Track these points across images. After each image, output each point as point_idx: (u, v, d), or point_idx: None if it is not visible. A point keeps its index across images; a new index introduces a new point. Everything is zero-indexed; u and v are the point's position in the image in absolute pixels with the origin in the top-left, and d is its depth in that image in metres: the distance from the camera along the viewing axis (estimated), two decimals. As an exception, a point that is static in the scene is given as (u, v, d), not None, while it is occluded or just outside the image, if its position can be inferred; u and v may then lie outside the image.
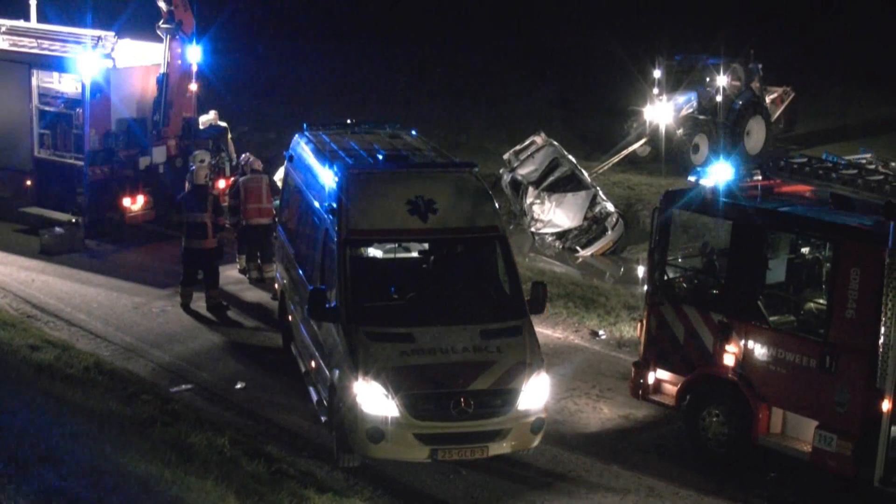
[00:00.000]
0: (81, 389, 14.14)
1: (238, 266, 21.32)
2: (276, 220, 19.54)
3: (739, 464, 14.23)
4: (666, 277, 15.26)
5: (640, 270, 23.35)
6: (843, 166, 14.82)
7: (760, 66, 33.15)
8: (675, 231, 15.51)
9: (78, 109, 22.67)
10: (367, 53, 44.12)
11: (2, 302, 19.15)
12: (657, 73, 31.99)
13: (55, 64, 23.09)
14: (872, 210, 13.55)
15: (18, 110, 23.42)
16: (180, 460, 11.76)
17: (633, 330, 18.30)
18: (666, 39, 33.32)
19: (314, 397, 14.99)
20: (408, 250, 15.80)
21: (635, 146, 31.73)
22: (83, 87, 22.31)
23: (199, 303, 19.43)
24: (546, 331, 18.51)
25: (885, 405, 12.63)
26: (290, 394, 16.01)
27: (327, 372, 14.01)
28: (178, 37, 22.57)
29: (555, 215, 25.39)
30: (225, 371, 16.94)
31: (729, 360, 14.08)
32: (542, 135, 27.19)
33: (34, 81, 23.24)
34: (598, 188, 25.87)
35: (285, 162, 18.49)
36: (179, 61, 22.81)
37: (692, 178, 15.45)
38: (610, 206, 25.28)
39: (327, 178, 14.99)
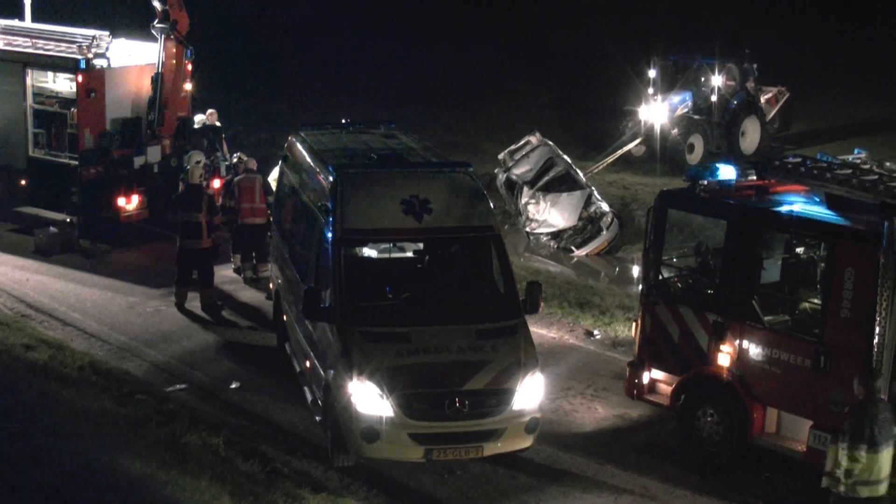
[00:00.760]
0: (76, 389, 14.13)
1: (233, 265, 21.32)
2: (271, 219, 19.52)
3: (734, 464, 14.24)
4: (661, 277, 15.26)
5: (635, 270, 23.36)
6: (838, 166, 14.78)
7: (755, 65, 33.15)
8: (670, 231, 15.52)
9: (72, 109, 22.66)
10: (362, 53, 44.11)
11: (-4, 301, 19.17)
12: (652, 73, 32.00)
13: (50, 63, 23.06)
14: (867, 210, 13.55)
15: (13, 110, 23.41)
16: (175, 460, 11.76)
17: (627, 330, 18.31)
18: (661, 39, 33.32)
19: (309, 397, 14.98)
20: (403, 250, 15.79)
21: (630, 146, 31.73)
22: (78, 86, 22.29)
23: (194, 302, 19.42)
24: (541, 330, 18.51)
25: (880, 405, 12.63)
26: (285, 393, 16.00)
27: (322, 372, 14.00)
28: (172, 36, 22.54)
29: (550, 215, 25.38)
30: (219, 371, 16.93)
31: (724, 360, 14.09)
32: (537, 134, 27.18)
33: (29, 81, 23.24)
34: (593, 188, 25.87)
35: (280, 162, 18.49)
36: (174, 61, 22.77)
37: (687, 178, 15.46)
38: (605, 206, 25.27)
39: (322, 177, 14.99)
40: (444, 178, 15.01)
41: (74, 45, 22.62)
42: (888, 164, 15.68)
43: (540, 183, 25.78)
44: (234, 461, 12.81)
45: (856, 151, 17.47)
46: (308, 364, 14.97)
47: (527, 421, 13.50)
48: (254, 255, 20.89)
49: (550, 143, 26.91)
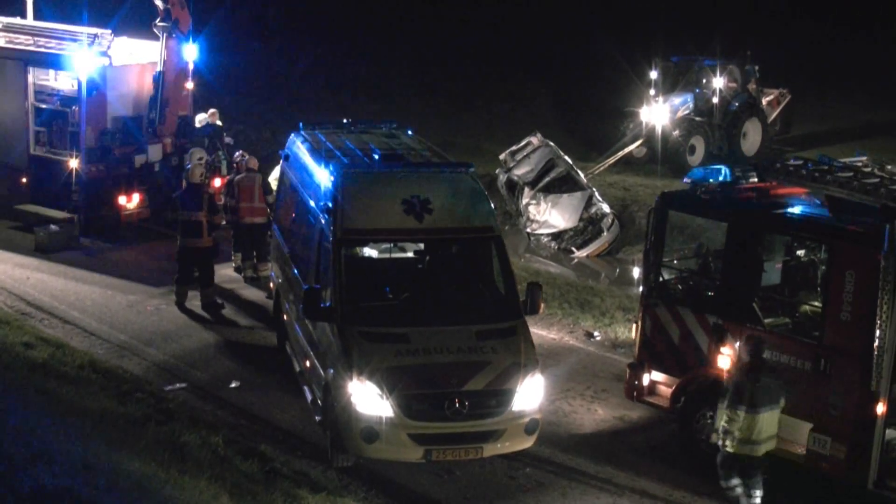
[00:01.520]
0: (75, 387, 14.12)
1: (233, 264, 21.32)
2: (272, 218, 19.52)
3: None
4: (661, 279, 15.26)
5: (636, 272, 23.33)
6: (839, 169, 14.82)
7: (757, 67, 33.17)
8: (670, 232, 15.51)
9: (74, 107, 22.68)
10: (364, 53, 44.12)
11: (-4, 299, 19.17)
12: (654, 75, 32.01)
13: (51, 61, 23.08)
14: (868, 213, 13.55)
15: (14, 107, 23.41)
16: (174, 459, 11.74)
17: (627, 331, 18.31)
18: (662, 41, 33.32)
19: (308, 397, 14.98)
20: (403, 250, 15.79)
21: (631, 147, 31.74)
22: (79, 84, 22.32)
23: (194, 301, 19.41)
24: (541, 331, 18.51)
25: (879, 408, 12.65)
26: (285, 393, 16.00)
27: (322, 371, 14.00)
28: (174, 35, 22.54)
29: (550, 216, 25.38)
30: (219, 370, 16.93)
31: (724, 362, 14.08)
32: (539, 135, 27.18)
33: (30, 79, 23.25)
34: (593, 189, 25.86)
35: (281, 161, 18.49)
36: (175, 59, 22.78)
37: (688, 180, 15.46)
38: (606, 207, 25.27)
39: (323, 177, 14.98)
40: (445, 178, 15.01)
41: (76, 43, 22.63)
42: (889, 166, 15.74)
43: (541, 184, 25.78)
44: (233, 461, 12.80)
45: (857, 154, 17.55)
46: (308, 364, 14.96)
47: (526, 422, 13.49)
48: (254, 254, 20.89)
49: (552, 143, 26.92)
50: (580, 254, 24.87)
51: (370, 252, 15.74)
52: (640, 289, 15.70)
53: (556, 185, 25.73)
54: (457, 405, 13.06)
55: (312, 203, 15.40)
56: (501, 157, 27.45)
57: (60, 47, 22.96)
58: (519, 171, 26.36)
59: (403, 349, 13.33)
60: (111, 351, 17.33)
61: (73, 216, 22.59)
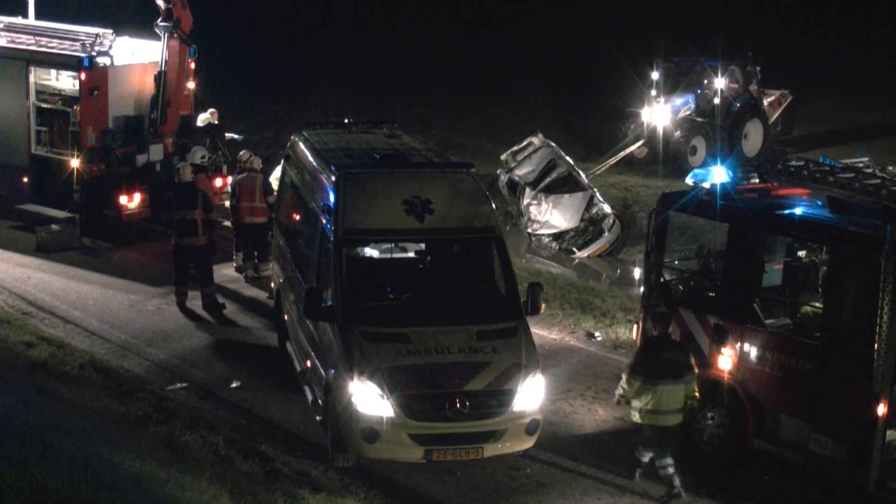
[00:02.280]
0: (76, 387, 14.14)
1: (234, 264, 21.33)
2: (273, 218, 19.51)
3: (734, 467, 14.24)
4: (662, 279, 15.26)
5: (637, 272, 23.35)
6: (840, 170, 14.79)
7: (758, 68, 33.17)
8: (671, 233, 15.51)
9: (75, 107, 22.68)
10: (365, 53, 44.13)
11: (-3, 299, 19.17)
12: (655, 75, 32.00)
13: (53, 61, 23.08)
14: (869, 214, 13.54)
15: (16, 107, 23.43)
16: (175, 459, 11.75)
17: (628, 332, 18.30)
18: (664, 41, 33.31)
19: (309, 397, 14.98)
20: (404, 250, 15.80)
21: (633, 148, 31.74)
22: (80, 84, 22.30)
23: (195, 301, 19.41)
24: (542, 332, 18.50)
25: (880, 409, 12.64)
26: (286, 393, 16.00)
27: (323, 371, 14.00)
28: (175, 34, 22.54)
29: (551, 216, 25.38)
30: (220, 370, 16.93)
31: (724, 362, 14.08)
32: (540, 136, 27.18)
33: (32, 78, 23.27)
34: (595, 189, 25.86)
35: (282, 161, 18.49)
36: (177, 59, 22.78)
37: (689, 180, 15.46)
38: (607, 208, 25.27)
39: (324, 177, 14.99)
40: (447, 178, 15.01)
41: (78, 43, 22.66)
42: (890, 167, 15.72)
43: (542, 184, 25.78)
44: (233, 460, 12.80)
45: (858, 155, 17.54)
46: (309, 363, 14.96)
47: (527, 422, 13.49)
48: (255, 254, 20.89)
49: (553, 144, 26.92)
50: (581, 254, 24.87)
51: (371, 252, 15.74)
52: (641, 289, 15.70)
53: (557, 185, 25.73)
54: (457, 405, 13.06)
55: (314, 203, 15.40)
56: (503, 157, 27.45)
57: (62, 47, 22.96)
58: (520, 172, 26.36)
59: (404, 349, 13.33)
60: (112, 350, 17.34)
61: (75, 216, 22.59)
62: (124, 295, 19.89)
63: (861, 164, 15.44)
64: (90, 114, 22.39)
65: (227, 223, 22.21)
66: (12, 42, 23.79)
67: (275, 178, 20.71)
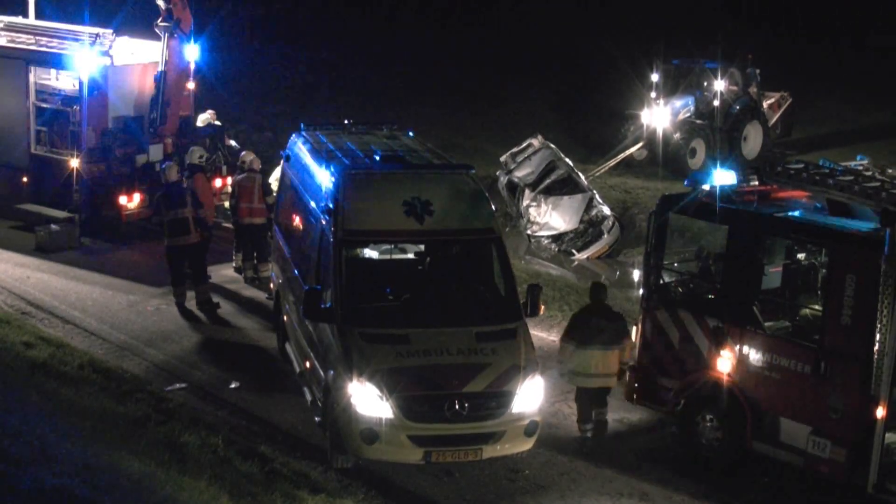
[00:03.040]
0: (75, 387, 14.12)
1: (234, 265, 21.33)
2: (273, 219, 19.51)
3: (733, 469, 14.24)
4: (661, 281, 15.26)
5: (636, 274, 23.34)
6: (840, 172, 14.80)
7: (758, 70, 33.18)
8: (671, 235, 15.51)
9: (75, 107, 22.68)
10: (365, 54, 44.12)
11: (-4, 299, 19.16)
12: (655, 77, 32.00)
13: (53, 61, 23.09)
14: (869, 216, 13.55)
15: (15, 107, 23.42)
16: (174, 459, 11.74)
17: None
18: (664, 43, 33.31)
19: (308, 397, 14.98)
20: (404, 251, 15.80)
21: (632, 150, 31.74)
22: (80, 84, 22.33)
23: (195, 302, 19.41)
24: (541, 333, 18.50)
25: (879, 412, 12.64)
26: (285, 394, 16.00)
27: (322, 372, 14.00)
28: (175, 35, 22.54)
29: (551, 218, 25.37)
30: (219, 370, 16.93)
31: (723, 365, 14.08)
32: (540, 137, 27.18)
33: (31, 78, 23.26)
34: (594, 191, 25.86)
35: (282, 161, 18.49)
36: (177, 59, 22.78)
37: (688, 183, 15.46)
38: (606, 210, 25.27)
39: (324, 178, 14.98)
40: (446, 179, 15.02)
41: (77, 43, 22.64)
42: (890, 170, 15.73)
43: (541, 186, 25.77)
44: (233, 461, 12.80)
45: (858, 157, 17.53)
46: (308, 364, 14.96)
47: (526, 424, 13.50)
48: (255, 254, 20.89)
49: (552, 145, 26.92)
50: (580, 256, 24.86)
51: (371, 253, 15.74)
52: (641, 291, 15.70)
53: (556, 187, 25.73)
54: (456, 407, 13.06)
55: (313, 204, 15.40)
56: (502, 158, 27.44)
57: (62, 47, 22.96)
58: (520, 173, 26.35)
59: (404, 350, 13.34)
60: (111, 351, 17.33)
61: (74, 216, 22.58)
62: (123, 295, 19.89)
63: (861, 167, 15.43)
64: (90, 114, 22.38)
65: (228, 224, 22.21)
66: (12, 42, 23.79)
67: (274, 179, 20.70)
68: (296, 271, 15.96)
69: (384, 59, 43.82)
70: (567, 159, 26.47)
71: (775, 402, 13.73)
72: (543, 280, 20.77)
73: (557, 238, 25.44)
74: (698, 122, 31.76)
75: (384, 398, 12.98)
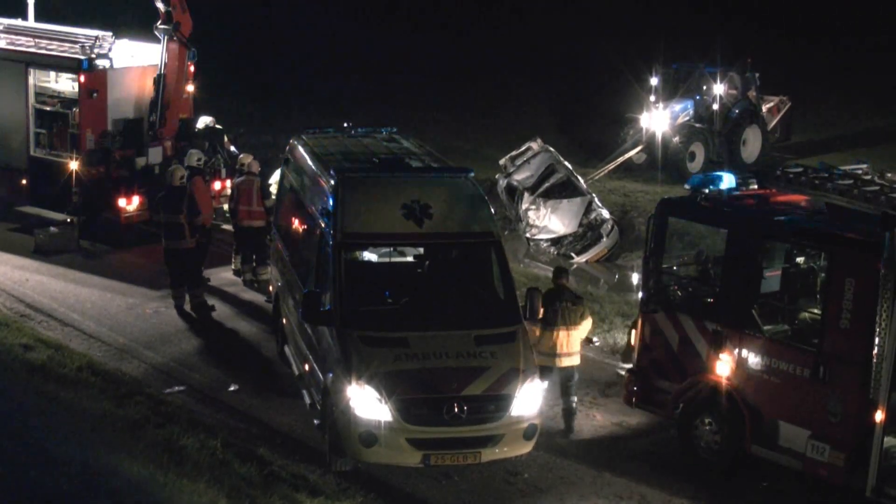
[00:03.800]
0: (74, 389, 14.12)
1: (233, 267, 21.32)
2: (273, 222, 19.51)
3: (731, 472, 14.24)
4: (660, 285, 15.26)
5: (635, 278, 23.33)
6: (839, 176, 14.81)
7: (757, 75, 33.14)
8: (670, 239, 15.51)
9: (74, 109, 22.66)
10: (363, 57, 44.13)
11: (-5, 301, 19.15)
12: (654, 81, 31.97)
13: (52, 63, 23.07)
14: (868, 220, 13.55)
15: (15, 109, 23.40)
16: (172, 462, 11.74)
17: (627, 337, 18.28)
18: (663, 47, 33.31)
19: (307, 400, 14.98)
20: (403, 255, 15.79)
21: (631, 153, 31.71)
22: (80, 86, 22.29)
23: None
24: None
25: (878, 416, 12.64)
26: (283, 397, 16.00)
27: (321, 375, 14.00)
28: (175, 38, 22.54)
29: (550, 221, 25.37)
30: (218, 373, 16.93)
31: (722, 368, 14.08)
32: (539, 141, 27.17)
33: (31, 80, 23.24)
34: (593, 195, 25.86)
35: (281, 165, 18.49)
36: (177, 62, 22.78)
37: (688, 186, 15.46)
38: (605, 213, 25.26)
39: (323, 181, 14.99)
40: (445, 183, 15.04)
41: (77, 46, 22.63)
42: (889, 174, 15.70)
43: (540, 189, 25.77)
44: (231, 464, 12.79)
45: (857, 162, 17.50)
46: (307, 367, 14.96)
47: (525, 427, 13.49)
48: (254, 257, 20.89)
49: (551, 149, 26.90)
50: (579, 259, 24.86)
51: (370, 256, 15.74)
52: (640, 295, 15.71)
53: (555, 190, 25.72)
54: (455, 410, 13.06)
55: (313, 207, 15.41)
56: (501, 162, 27.43)
57: (62, 49, 22.94)
58: (519, 177, 26.34)
59: (403, 353, 13.34)
60: (110, 353, 17.33)
61: (73, 218, 22.57)
62: (122, 298, 19.88)
63: (860, 171, 15.41)
64: (89, 116, 22.37)
65: (227, 227, 22.20)
66: (12, 44, 23.77)
67: (273, 182, 20.70)
68: (295, 274, 15.96)
69: (383, 62, 43.83)
70: (566, 163, 26.46)
71: (774, 406, 13.73)
72: (542, 283, 20.69)
73: (556, 241, 25.44)
74: (697, 125, 31.74)
75: (383, 401, 12.97)
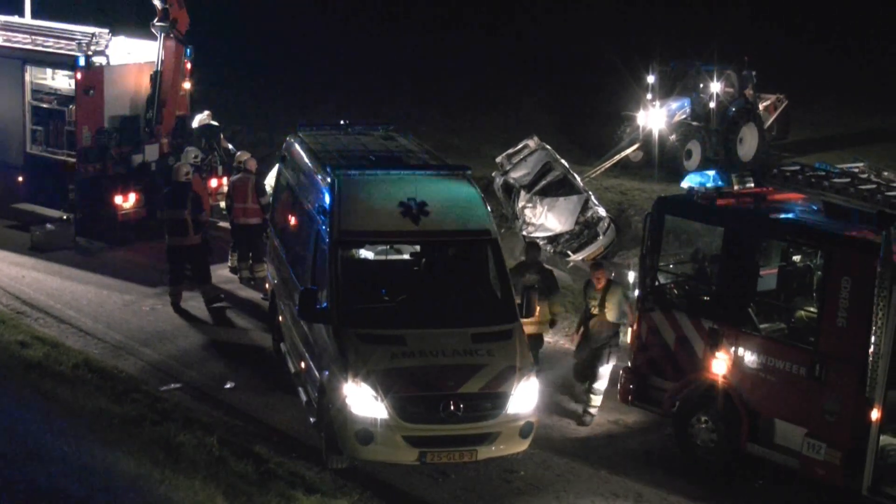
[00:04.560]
0: (70, 387, 14.11)
1: (229, 265, 21.32)
2: (269, 219, 19.51)
3: (728, 471, 14.25)
4: (657, 283, 15.27)
5: (632, 276, 23.31)
6: (836, 175, 14.80)
7: (754, 73, 33.11)
8: (666, 237, 15.52)
9: (71, 106, 22.64)
10: (361, 55, 44.10)
11: (-8, 298, 19.14)
12: (651, 79, 31.93)
13: (49, 60, 23.06)
14: (864, 219, 13.56)
15: (11, 106, 23.40)
16: (169, 459, 11.75)
17: (623, 335, 18.27)
18: (660, 45, 33.29)
19: (304, 398, 14.98)
20: (399, 252, 15.79)
21: (628, 151, 31.69)
22: (76, 83, 22.28)
23: (190, 302, 19.42)
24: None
25: (874, 414, 12.66)
26: (280, 394, 16.00)
27: (317, 373, 13.99)
28: (172, 35, 22.53)
29: (546, 219, 25.34)
30: (214, 370, 16.93)
31: (719, 367, 14.10)
32: (535, 138, 27.14)
33: (27, 77, 23.23)
34: (590, 193, 25.83)
35: (278, 162, 18.48)
36: (173, 59, 22.76)
37: (685, 184, 15.47)
38: (602, 211, 25.24)
39: (320, 178, 14.98)
40: (442, 180, 15.02)
41: (74, 43, 22.63)
42: (886, 173, 15.71)
43: (537, 187, 25.74)
44: (227, 461, 12.79)
45: (854, 160, 17.49)
46: (303, 365, 14.96)
47: (521, 425, 13.49)
48: (251, 255, 20.89)
49: (548, 147, 26.87)
50: (576, 257, 24.84)
51: (366, 254, 15.74)
52: (636, 293, 15.72)
53: (552, 188, 25.69)
54: (452, 408, 13.06)
55: (309, 205, 15.40)
56: (498, 159, 27.39)
57: (58, 46, 22.93)
58: (515, 174, 26.32)
59: (399, 351, 13.33)
60: (107, 350, 17.32)
61: (70, 215, 22.56)
62: (119, 295, 19.87)
63: (857, 170, 15.42)
64: (86, 113, 22.35)
65: (224, 224, 22.20)
66: (8, 41, 23.75)
67: (270, 179, 20.69)
68: (291, 272, 15.95)
69: (381, 60, 43.79)
70: (563, 161, 26.43)
71: (770, 405, 13.76)
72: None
73: (553, 239, 25.41)
74: (694, 124, 31.71)
75: (379, 399, 12.97)
